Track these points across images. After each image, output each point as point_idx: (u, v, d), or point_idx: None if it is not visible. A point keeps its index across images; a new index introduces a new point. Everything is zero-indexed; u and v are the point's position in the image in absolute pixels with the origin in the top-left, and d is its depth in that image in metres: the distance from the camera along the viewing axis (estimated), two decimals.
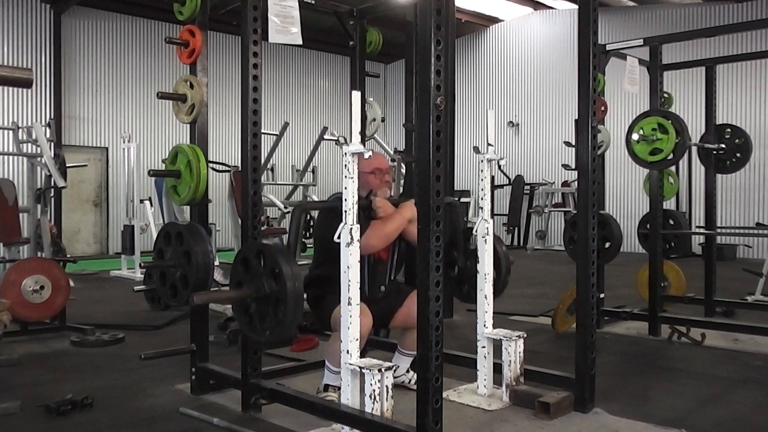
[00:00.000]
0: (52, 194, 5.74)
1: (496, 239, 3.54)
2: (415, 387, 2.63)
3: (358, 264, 2.82)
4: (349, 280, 2.79)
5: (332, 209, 3.22)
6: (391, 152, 8.39)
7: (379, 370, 2.71)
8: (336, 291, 2.86)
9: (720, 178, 6.37)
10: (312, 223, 9.96)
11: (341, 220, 2.81)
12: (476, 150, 3.47)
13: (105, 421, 3.20)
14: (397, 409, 2.79)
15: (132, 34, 12.69)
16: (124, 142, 9.48)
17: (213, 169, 3.55)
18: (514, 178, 13.65)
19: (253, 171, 3.27)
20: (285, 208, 8.75)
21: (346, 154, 2.78)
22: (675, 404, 3.46)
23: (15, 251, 5.73)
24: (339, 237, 2.80)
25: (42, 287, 4.79)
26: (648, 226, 5.39)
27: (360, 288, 2.84)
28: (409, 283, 4.00)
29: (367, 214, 3.20)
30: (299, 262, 9.62)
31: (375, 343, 4.01)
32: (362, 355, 2.92)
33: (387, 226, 3.24)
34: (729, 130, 5.84)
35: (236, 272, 2.91)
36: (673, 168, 5.80)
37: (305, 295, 3.08)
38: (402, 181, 6.49)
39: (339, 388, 3.24)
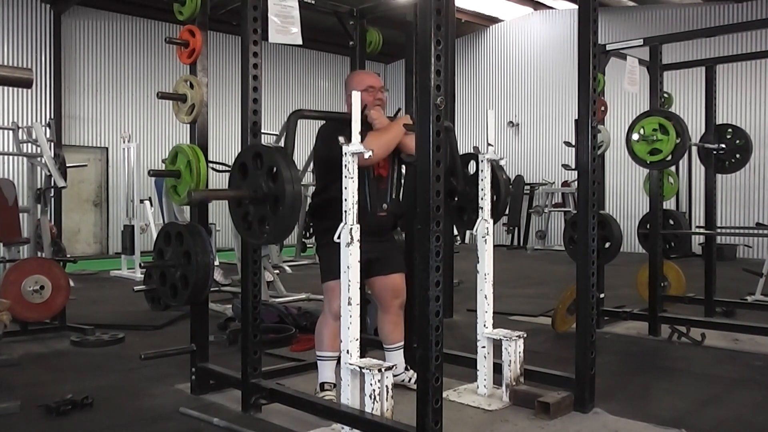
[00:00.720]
0: (52, 194, 5.74)
1: (497, 166, 3.52)
2: (415, 386, 2.63)
3: (358, 264, 2.82)
4: (349, 280, 2.79)
5: (332, 125, 3.22)
6: None
7: (379, 370, 2.72)
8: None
9: (720, 178, 6.38)
10: (312, 223, 9.94)
11: (343, 133, 2.79)
12: (476, 150, 3.47)
13: (105, 421, 3.20)
14: (397, 409, 2.79)
15: (132, 34, 12.69)
16: (124, 142, 9.49)
17: (213, 169, 3.54)
18: (514, 178, 13.64)
19: None
20: None
21: (346, 154, 2.78)
22: (675, 404, 3.46)
23: (15, 251, 5.72)
24: (339, 237, 2.80)
25: (42, 287, 4.79)
26: (648, 226, 5.39)
27: (362, 204, 2.83)
28: (407, 231, 3.94)
29: (363, 128, 3.17)
30: (299, 262, 9.52)
31: (375, 343, 4.00)
32: (362, 354, 2.92)
33: (384, 134, 3.22)
34: (730, 130, 5.84)
35: (234, 178, 2.87)
36: (673, 168, 5.80)
37: (311, 227, 3.02)
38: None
39: (334, 385, 3.25)
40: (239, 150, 3.26)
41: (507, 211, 13.54)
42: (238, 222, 2.91)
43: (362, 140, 2.82)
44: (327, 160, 3.20)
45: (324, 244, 3.27)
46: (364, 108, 3.19)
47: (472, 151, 3.55)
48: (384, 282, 3.45)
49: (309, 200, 3.79)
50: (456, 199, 3.73)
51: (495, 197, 3.53)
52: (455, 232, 7.66)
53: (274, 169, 2.70)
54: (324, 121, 3.50)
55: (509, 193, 3.60)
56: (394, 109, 3.58)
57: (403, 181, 3.50)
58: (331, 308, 3.21)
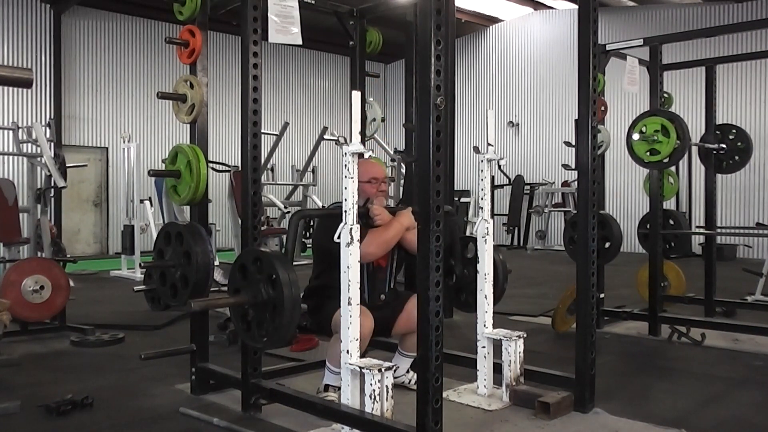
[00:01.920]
0: (52, 194, 5.74)
1: (499, 261, 3.55)
2: (415, 387, 2.63)
3: (358, 264, 2.82)
4: (349, 280, 2.79)
5: (332, 217, 3.22)
6: (391, 152, 8.39)
7: (379, 370, 2.72)
8: (336, 296, 2.86)
9: (720, 178, 6.37)
10: (312, 223, 9.96)
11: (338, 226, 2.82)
12: (476, 150, 3.47)
13: (105, 421, 3.20)
14: (397, 409, 2.79)
15: (132, 34, 12.69)
16: (124, 142, 9.48)
17: (213, 169, 3.55)
18: (514, 178, 13.65)
19: (253, 171, 3.27)
20: (285, 208, 8.75)
21: (346, 154, 2.78)
22: (675, 404, 3.46)
23: (15, 251, 5.73)
24: (339, 237, 2.80)
25: (42, 287, 4.79)
26: (648, 226, 5.39)
27: (360, 296, 2.84)
28: (409, 287, 4.00)
29: (364, 222, 3.18)
30: (299, 262, 9.59)
31: (375, 344, 4.00)
32: (363, 355, 2.92)
33: (385, 233, 3.24)
34: (734, 131, 5.84)
35: (234, 278, 2.92)
36: (673, 168, 5.80)
37: (305, 306, 3.07)
38: (402, 181, 6.50)
39: (339, 389, 3.24)
40: (239, 150, 3.28)
41: (507, 211, 13.57)
42: (237, 324, 2.95)
43: (362, 238, 2.88)
44: (324, 250, 3.27)
45: (319, 312, 3.29)
46: (366, 201, 3.27)
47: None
48: (406, 318, 3.41)
49: (310, 201, 3.79)
50: (454, 279, 3.72)
51: (494, 281, 3.51)
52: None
53: (273, 276, 2.73)
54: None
55: (507, 277, 3.66)
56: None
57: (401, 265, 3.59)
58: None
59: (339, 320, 2.93)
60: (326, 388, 3.27)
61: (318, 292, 3.35)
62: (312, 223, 10.40)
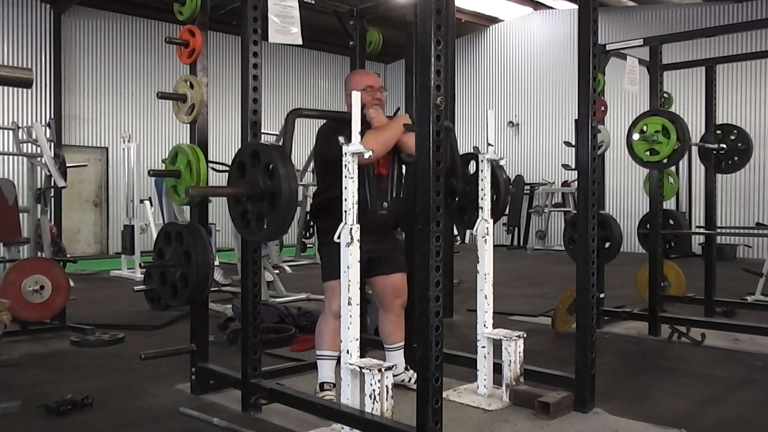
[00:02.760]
0: (52, 194, 5.74)
1: (497, 166, 3.52)
2: (415, 386, 2.63)
3: (358, 263, 2.82)
4: (349, 280, 2.79)
5: (332, 125, 3.22)
6: None
7: (379, 370, 2.72)
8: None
9: (720, 178, 6.38)
10: (312, 223, 9.95)
11: (342, 133, 2.80)
12: (476, 150, 3.47)
13: (105, 421, 3.20)
14: (397, 409, 2.79)
15: (132, 34, 12.69)
16: (124, 142, 9.49)
17: (213, 169, 3.54)
18: (514, 178, 13.64)
19: None
20: None
21: (346, 154, 2.78)
22: (675, 404, 3.46)
23: (15, 251, 5.73)
24: (339, 237, 2.80)
25: (42, 287, 4.79)
26: (648, 226, 5.39)
27: (363, 202, 2.86)
28: (408, 231, 3.96)
29: (362, 127, 3.17)
30: (299, 262, 9.52)
31: (375, 343, 4.01)
32: (362, 354, 2.92)
33: (383, 132, 3.22)
34: (735, 131, 5.84)
35: (233, 176, 2.88)
36: (673, 168, 5.80)
37: (315, 225, 3.02)
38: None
39: (333, 384, 3.25)
40: (238, 149, 3.26)
41: (507, 211, 13.57)
42: (236, 220, 2.92)
43: (361, 139, 2.82)
44: (327, 160, 3.22)
45: (325, 243, 3.27)
46: (362, 107, 3.19)
47: (472, 151, 3.55)
48: (385, 282, 3.46)
49: (310, 200, 3.78)
50: (456, 198, 3.73)
51: (495, 197, 3.53)
52: (455, 232, 7.67)
53: (271, 166, 2.71)
54: (323, 121, 3.49)
55: (509, 193, 3.61)
56: (393, 109, 3.58)
57: (403, 180, 3.50)
58: (331, 307, 3.21)
59: (331, 287, 3.03)
60: (321, 387, 3.28)
61: (325, 208, 3.28)
62: (312, 225, 10.39)
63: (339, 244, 2.82)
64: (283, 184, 2.66)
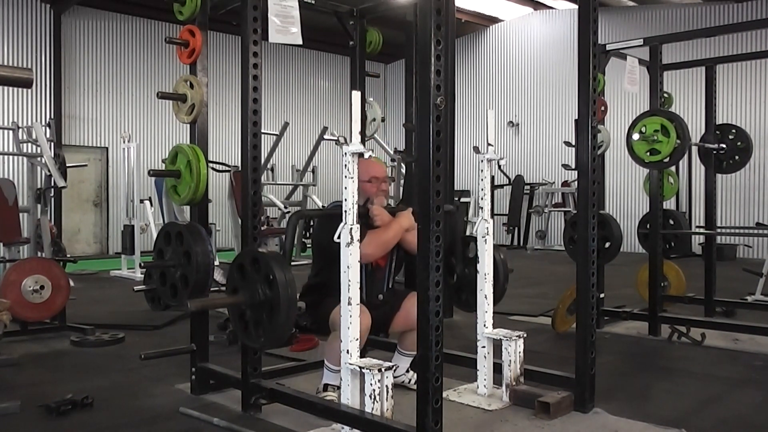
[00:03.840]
0: (52, 194, 5.74)
1: (495, 248, 3.54)
2: (415, 387, 2.63)
3: (358, 264, 2.82)
4: (349, 280, 2.79)
5: (331, 216, 3.21)
6: (391, 152, 8.39)
7: (379, 370, 2.71)
8: (334, 294, 2.86)
9: (720, 178, 6.37)
10: (312, 223, 9.95)
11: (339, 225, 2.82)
12: (476, 150, 3.47)
13: (105, 421, 3.20)
14: (397, 409, 2.79)
15: (132, 34, 12.69)
16: (124, 142, 9.48)
17: (213, 169, 3.55)
18: (514, 178, 13.64)
19: (253, 171, 3.27)
20: (285, 208, 8.75)
21: (346, 154, 2.78)
22: (675, 404, 3.46)
23: (15, 251, 5.73)
24: (339, 237, 2.80)
25: (42, 287, 4.79)
26: (648, 226, 5.39)
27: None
28: (409, 286, 3.99)
29: (364, 222, 3.18)
30: (299, 262, 9.55)
31: (375, 343, 4.01)
32: (362, 354, 2.92)
33: (384, 234, 3.24)
34: (734, 131, 5.83)
35: (232, 278, 2.93)
36: (673, 168, 5.80)
37: (304, 303, 3.08)
38: (402, 181, 6.49)
39: (339, 387, 3.24)
40: (239, 150, 3.28)
41: (507, 211, 13.57)
42: (235, 323, 2.96)
43: (362, 238, 2.88)
44: (323, 249, 3.27)
45: (317, 310, 3.26)
46: (366, 201, 3.27)
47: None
48: (404, 315, 3.40)
49: (310, 201, 3.79)
50: (455, 279, 3.73)
51: (494, 281, 3.50)
52: None
53: (270, 276, 2.74)
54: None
55: (507, 277, 3.66)
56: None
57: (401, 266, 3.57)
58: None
59: (337, 318, 2.93)
60: (325, 387, 3.27)
61: (316, 289, 3.34)
62: (312, 223, 10.40)
63: (330, 301, 2.92)
64: (282, 293, 2.70)
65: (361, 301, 2.92)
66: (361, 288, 3.06)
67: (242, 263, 2.89)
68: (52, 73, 11.59)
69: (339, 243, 2.81)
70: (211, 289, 3.41)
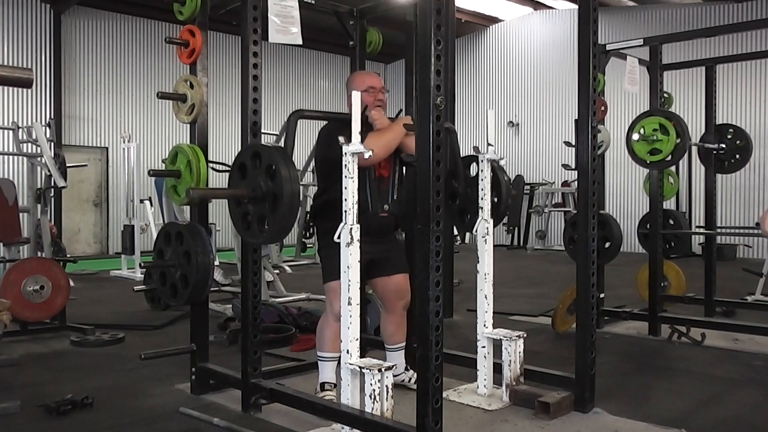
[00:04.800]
0: (52, 194, 5.74)
1: (498, 168, 3.52)
2: (415, 386, 2.63)
3: (358, 264, 2.82)
4: (349, 280, 2.79)
5: (333, 125, 3.21)
6: None
7: (379, 370, 2.71)
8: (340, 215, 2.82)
9: (720, 178, 6.37)
10: (312, 223, 9.94)
11: (343, 134, 2.79)
12: (476, 150, 3.47)
13: (105, 421, 3.20)
14: (397, 409, 2.79)
15: (132, 34, 12.70)
16: (124, 142, 9.49)
17: (213, 169, 3.54)
18: (514, 178, 13.62)
19: None
20: None
21: (346, 154, 2.78)
22: (675, 404, 3.46)
23: (15, 251, 5.73)
24: (339, 237, 2.80)
25: (42, 287, 4.79)
26: (648, 226, 5.39)
27: (363, 204, 2.87)
28: (408, 231, 3.95)
29: (364, 128, 3.13)
30: (299, 262, 9.52)
31: (375, 343, 4.01)
32: (362, 354, 2.92)
33: (385, 135, 3.22)
34: (732, 130, 5.83)
35: (233, 178, 2.88)
36: (673, 168, 5.80)
37: (315, 227, 3.03)
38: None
39: (335, 385, 3.25)
40: (239, 150, 3.27)
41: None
42: (237, 221, 2.92)
43: (362, 140, 2.82)
44: (327, 161, 3.21)
45: (325, 245, 3.26)
46: (364, 109, 3.20)
47: (472, 151, 3.55)
48: (387, 283, 3.45)
49: (310, 201, 3.79)
50: (457, 201, 3.73)
51: (496, 199, 3.52)
52: (455, 232, 7.66)
53: (273, 168, 2.70)
54: (325, 122, 3.49)
55: (510, 195, 3.60)
56: (395, 110, 3.57)
57: (404, 182, 3.49)
58: (332, 309, 3.20)
59: (332, 288, 3.00)
60: (322, 386, 3.28)
61: (325, 209, 3.26)
62: (312, 226, 10.38)
63: (339, 245, 2.82)
64: (285, 186, 2.65)
65: (366, 212, 2.94)
66: (366, 199, 3.13)
67: (243, 161, 2.83)
68: (52, 73, 11.59)
69: (342, 149, 2.76)
70: (211, 289, 3.41)
